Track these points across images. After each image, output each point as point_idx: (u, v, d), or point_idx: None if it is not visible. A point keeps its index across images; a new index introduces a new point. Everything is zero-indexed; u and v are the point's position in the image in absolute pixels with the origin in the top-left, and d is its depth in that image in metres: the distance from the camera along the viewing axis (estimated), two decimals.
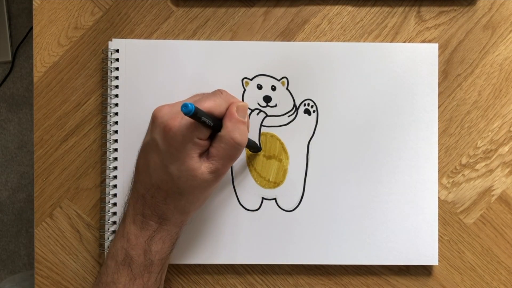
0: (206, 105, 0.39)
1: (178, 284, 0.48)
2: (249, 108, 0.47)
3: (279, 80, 0.47)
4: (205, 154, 0.40)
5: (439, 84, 0.48)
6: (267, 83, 0.47)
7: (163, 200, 0.41)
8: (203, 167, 0.39)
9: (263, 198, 0.47)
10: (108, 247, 0.47)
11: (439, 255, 0.47)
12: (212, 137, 0.40)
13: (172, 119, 0.39)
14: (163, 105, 0.40)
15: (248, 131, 0.43)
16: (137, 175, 0.42)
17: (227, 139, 0.39)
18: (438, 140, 0.47)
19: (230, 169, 0.47)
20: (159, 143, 0.39)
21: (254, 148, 0.46)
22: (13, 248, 1.21)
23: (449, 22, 0.48)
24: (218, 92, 0.41)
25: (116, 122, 0.47)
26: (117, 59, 0.47)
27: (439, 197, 0.48)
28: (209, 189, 0.41)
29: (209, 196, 0.44)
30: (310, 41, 0.48)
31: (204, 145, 0.39)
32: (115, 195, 0.47)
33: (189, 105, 0.34)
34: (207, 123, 0.37)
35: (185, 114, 0.34)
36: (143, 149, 0.42)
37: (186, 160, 0.39)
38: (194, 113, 0.35)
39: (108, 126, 0.47)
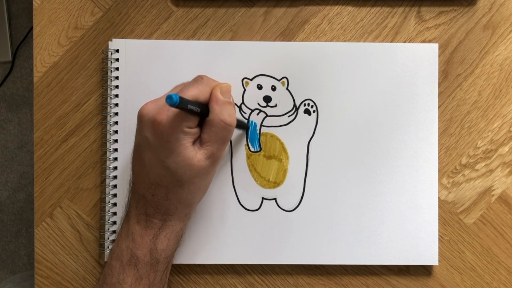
0: (190, 93, 0.39)
1: (178, 284, 0.48)
2: (249, 108, 0.47)
3: (279, 80, 0.47)
4: (197, 141, 0.40)
5: (439, 84, 0.48)
6: (267, 83, 0.47)
7: (165, 196, 0.41)
8: (198, 155, 0.39)
9: (263, 198, 0.47)
10: (108, 247, 0.47)
11: (439, 255, 0.47)
12: (201, 124, 0.40)
13: (159, 113, 0.38)
14: (146, 103, 0.40)
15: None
16: (135, 177, 0.42)
17: (216, 122, 0.39)
18: (438, 140, 0.47)
19: (230, 168, 0.47)
20: (150, 140, 0.39)
21: (243, 126, 0.46)
22: (13, 248, 1.21)
23: (449, 22, 0.48)
24: (199, 78, 0.41)
25: (116, 122, 0.47)
26: (117, 59, 0.47)
27: (439, 197, 0.48)
28: (208, 176, 0.41)
29: (209, 184, 0.44)
30: (310, 41, 0.48)
31: (195, 133, 0.39)
32: (115, 195, 0.47)
33: (173, 96, 0.34)
34: (194, 111, 0.37)
35: (171, 105, 0.34)
36: (136, 150, 0.42)
37: (181, 151, 0.39)
38: (179, 103, 0.34)
39: (108, 126, 0.47)
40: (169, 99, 0.34)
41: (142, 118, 0.40)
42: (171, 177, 0.40)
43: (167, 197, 0.41)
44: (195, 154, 0.39)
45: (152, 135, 0.39)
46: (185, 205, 0.42)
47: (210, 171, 0.41)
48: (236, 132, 0.47)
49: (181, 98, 0.34)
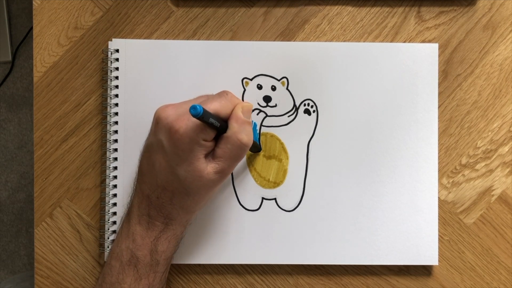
0: (213, 107, 0.39)
1: (178, 284, 0.48)
2: None
3: (279, 80, 0.47)
4: (210, 154, 0.40)
5: (439, 84, 0.48)
6: (267, 83, 0.47)
7: (169, 200, 0.41)
8: (209, 168, 0.39)
9: (263, 198, 0.47)
10: (108, 247, 0.47)
11: (439, 255, 0.47)
12: (216, 138, 0.40)
13: (178, 120, 0.38)
14: (166, 106, 0.40)
15: None
16: (141, 176, 0.42)
17: (233, 140, 0.39)
18: (438, 140, 0.47)
19: None
20: (165, 144, 0.39)
21: (255, 147, 0.47)
22: (13, 248, 1.21)
23: (449, 22, 0.48)
24: (224, 94, 0.42)
25: (116, 122, 0.47)
26: (117, 59, 0.47)
27: (439, 197, 0.48)
28: (214, 189, 0.42)
29: (213, 195, 0.44)
30: (310, 41, 0.48)
31: (209, 146, 0.39)
32: (115, 195, 0.47)
33: (198, 107, 0.34)
34: (214, 125, 0.38)
35: (194, 116, 0.35)
36: (147, 149, 0.42)
37: (193, 162, 0.39)
38: (202, 115, 0.35)
39: (108, 126, 0.47)
40: (193, 109, 0.34)
41: (159, 121, 0.40)
42: (178, 183, 0.40)
43: (172, 201, 0.41)
44: (205, 167, 0.39)
45: (167, 141, 0.39)
46: (187, 211, 0.42)
47: (217, 184, 0.41)
48: None
49: (204, 110, 0.35)
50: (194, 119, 0.38)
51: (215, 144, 0.40)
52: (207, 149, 0.39)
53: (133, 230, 0.42)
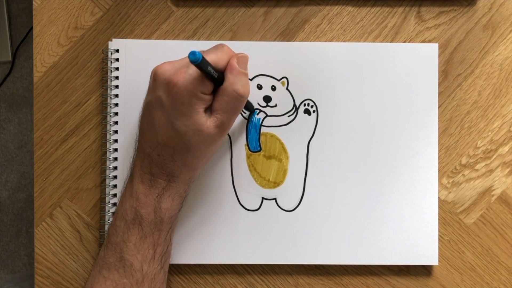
0: (209, 58, 0.39)
1: (178, 284, 0.48)
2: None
3: (279, 80, 0.47)
4: (209, 109, 0.40)
5: (439, 84, 0.48)
6: (267, 83, 0.47)
7: (170, 157, 0.41)
8: (208, 122, 0.40)
9: (263, 198, 0.47)
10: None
11: (439, 255, 0.47)
12: (214, 92, 0.40)
13: (176, 74, 0.38)
14: (162, 63, 0.40)
15: None
16: (142, 135, 0.42)
17: (229, 91, 0.40)
18: (438, 140, 0.48)
19: (230, 168, 0.47)
20: (164, 99, 0.39)
21: (250, 108, 0.46)
22: (13, 248, 1.21)
23: (449, 22, 0.48)
24: (220, 46, 0.41)
25: (116, 122, 0.47)
26: (117, 59, 0.47)
27: (439, 197, 0.48)
28: (215, 144, 0.42)
29: (215, 151, 0.44)
30: (310, 41, 0.48)
31: (208, 100, 0.40)
32: (115, 195, 0.47)
33: (197, 53, 0.34)
34: (212, 74, 0.38)
35: (192, 62, 0.34)
36: (146, 108, 0.42)
37: (192, 115, 0.39)
38: (201, 62, 0.35)
39: (108, 126, 0.47)
40: (192, 55, 0.34)
41: (156, 78, 0.40)
42: (179, 139, 0.40)
43: (173, 158, 0.41)
44: (205, 121, 0.39)
45: (165, 95, 0.39)
46: (189, 168, 0.42)
47: (217, 139, 0.41)
48: (237, 132, 0.47)
49: (203, 57, 0.35)
50: (192, 72, 0.38)
51: (213, 98, 0.40)
52: (206, 103, 0.39)
53: (136, 189, 0.42)
